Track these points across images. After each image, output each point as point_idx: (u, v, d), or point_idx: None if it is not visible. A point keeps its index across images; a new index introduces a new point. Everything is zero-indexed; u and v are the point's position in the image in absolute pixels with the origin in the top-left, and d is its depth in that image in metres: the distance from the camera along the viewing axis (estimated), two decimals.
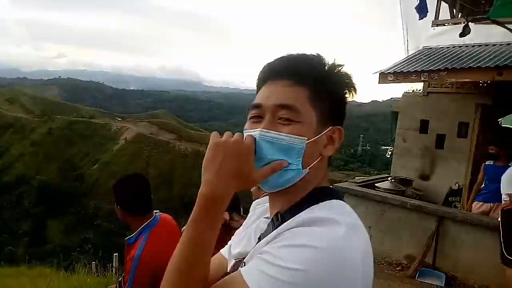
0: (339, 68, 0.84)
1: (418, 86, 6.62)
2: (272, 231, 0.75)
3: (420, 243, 4.76)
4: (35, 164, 60.09)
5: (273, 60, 0.85)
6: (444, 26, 6.05)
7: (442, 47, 5.92)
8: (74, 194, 53.22)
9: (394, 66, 5.50)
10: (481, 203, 4.74)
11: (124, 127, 69.94)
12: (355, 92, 0.86)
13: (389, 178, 6.07)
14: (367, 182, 6.17)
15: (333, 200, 0.78)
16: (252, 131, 0.78)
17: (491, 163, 4.70)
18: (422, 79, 5.04)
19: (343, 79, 0.84)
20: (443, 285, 4.40)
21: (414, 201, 5.20)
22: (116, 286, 2.21)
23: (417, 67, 5.05)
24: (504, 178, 3.90)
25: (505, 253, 3.80)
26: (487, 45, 5.44)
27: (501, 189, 3.99)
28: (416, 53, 6.00)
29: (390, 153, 7.07)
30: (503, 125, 3.75)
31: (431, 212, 4.80)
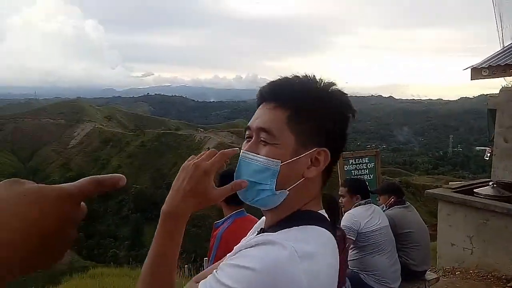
0: (331, 88, 0.84)
1: None
2: None
3: None
4: (131, 174, 66.16)
5: (273, 82, 0.87)
6: None
7: None
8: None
9: (488, 60, 5.01)
10: None
11: (206, 137, 73.75)
12: (351, 110, 0.86)
13: (490, 183, 5.48)
14: (464, 188, 5.65)
15: (310, 226, 0.79)
16: (236, 148, 0.86)
17: None
18: None
19: (335, 99, 0.84)
20: None
21: None
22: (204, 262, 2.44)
23: None
24: None
25: None
26: None
27: None
28: None
29: (488, 154, 6.40)
30: None
31: None
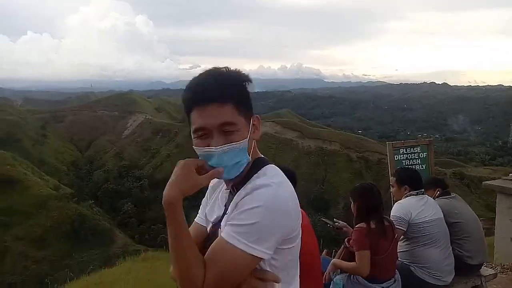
0: (231, 69, 1.10)
1: None
2: (232, 199, 1.09)
3: None
4: None
5: (195, 83, 1.08)
6: None
7: None
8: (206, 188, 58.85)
9: None
10: None
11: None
12: (247, 78, 1.11)
13: None
14: None
15: (267, 165, 1.14)
16: (212, 149, 1.05)
17: None
18: None
19: (239, 77, 1.10)
20: None
21: None
22: None
23: None
24: None
25: None
26: None
27: None
28: None
29: None
30: None
31: None
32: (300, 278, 1.20)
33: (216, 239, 1.05)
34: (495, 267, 4.68)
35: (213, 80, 1.06)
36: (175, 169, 1.04)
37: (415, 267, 2.94)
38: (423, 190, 3.10)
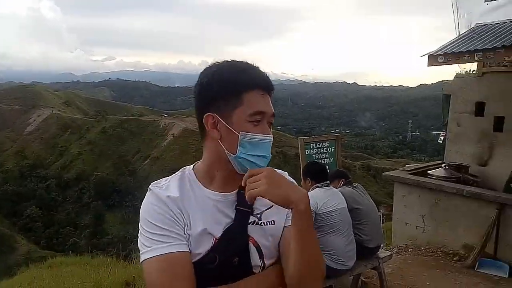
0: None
1: (470, 66, 6.21)
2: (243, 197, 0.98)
3: (479, 232, 4.52)
4: (92, 161, 63.94)
5: (250, 67, 1.04)
6: (498, 0, 5.61)
7: (497, 23, 5.50)
8: (128, 188, 56.10)
9: (444, 47, 5.19)
10: None
11: (171, 123, 72.34)
12: None
13: (443, 165, 5.78)
14: (419, 170, 5.93)
15: None
16: (269, 137, 1.03)
17: None
18: (476, 59, 4.72)
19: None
20: (507, 276, 4.16)
21: (471, 188, 4.93)
22: None
23: (469, 46, 4.74)
24: None
25: None
26: None
27: None
28: (468, 32, 5.62)
29: (442, 138, 6.72)
30: None
31: (490, 199, 4.53)
32: None
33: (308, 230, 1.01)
34: (392, 248, 5.22)
35: (265, 73, 1.06)
36: (283, 176, 1.00)
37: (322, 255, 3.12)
38: (328, 182, 3.31)
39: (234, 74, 1.01)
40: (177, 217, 0.99)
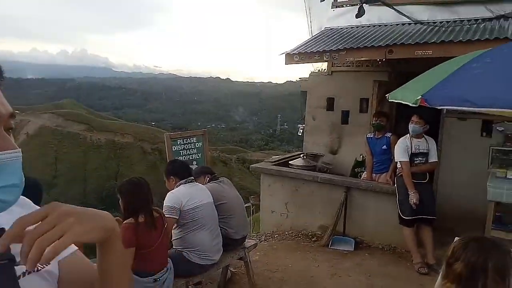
0: None
1: (322, 66, 6.95)
2: None
3: (332, 214, 5.10)
4: None
5: None
6: (342, 8, 6.38)
7: (341, 28, 6.25)
8: None
9: (299, 47, 5.65)
10: (364, 173, 5.37)
11: (24, 121, 62.77)
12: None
13: (302, 155, 6.34)
14: (282, 160, 6.38)
15: None
16: (13, 152, 0.69)
17: (371, 135, 5.19)
18: (325, 59, 5.27)
19: None
20: (352, 249, 4.78)
21: (324, 174, 5.52)
22: None
23: (319, 47, 5.26)
24: (396, 147, 4.31)
25: (401, 215, 4.25)
26: (380, 26, 5.87)
27: (394, 157, 4.42)
28: (319, 34, 6.26)
29: (301, 131, 7.37)
30: (389, 100, 4.08)
31: (339, 183, 5.15)
32: None
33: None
34: (261, 236, 5.50)
35: None
36: (65, 211, 0.64)
37: (188, 252, 3.07)
38: (192, 178, 3.27)
39: None
40: None
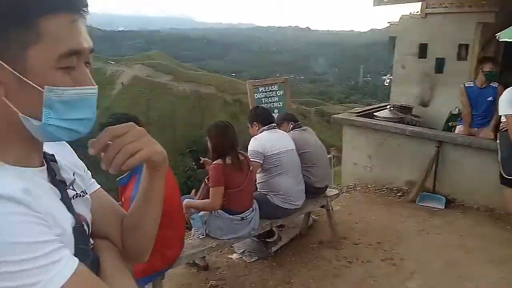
0: None
1: (418, 8, 6.23)
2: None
3: (420, 169, 4.80)
4: None
5: None
6: None
7: None
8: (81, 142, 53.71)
9: None
10: (460, 126, 4.84)
11: (119, 71, 68.46)
12: None
13: (388, 107, 5.96)
14: (366, 112, 6.08)
15: None
16: (91, 88, 0.70)
17: (472, 84, 4.60)
18: None
19: None
20: (443, 208, 4.51)
21: (413, 127, 5.15)
22: None
23: None
24: (501, 99, 3.78)
25: (503, 174, 3.83)
26: None
27: (498, 111, 3.90)
28: None
29: (388, 81, 6.88)
30: (501, 40, 3.46)
31: (430, 137, 4.78)
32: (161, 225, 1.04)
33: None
34: (342, 188, 5.45)
35: None
36: (142, 131, 0.74)
37: (272, 196, 3.16)
38: (274, 125, 3.29)
39: None
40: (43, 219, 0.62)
